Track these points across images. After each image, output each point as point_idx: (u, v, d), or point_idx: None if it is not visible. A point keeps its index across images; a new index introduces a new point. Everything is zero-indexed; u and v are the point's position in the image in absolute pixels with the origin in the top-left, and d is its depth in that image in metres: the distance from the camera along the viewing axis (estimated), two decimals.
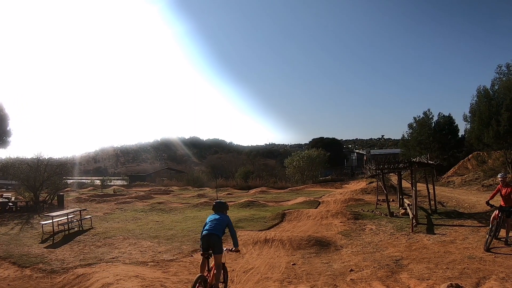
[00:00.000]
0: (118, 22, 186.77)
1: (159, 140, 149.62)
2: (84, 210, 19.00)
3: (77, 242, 13.60)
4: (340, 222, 15.43)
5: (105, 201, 27.88)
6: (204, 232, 6.48)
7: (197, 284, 5.93)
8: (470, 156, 36.26)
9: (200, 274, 6.22)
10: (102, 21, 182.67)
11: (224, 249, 6.62)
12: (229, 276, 8.03)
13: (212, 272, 6.39)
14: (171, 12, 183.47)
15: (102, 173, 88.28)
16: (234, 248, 6.74)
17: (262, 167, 70.21)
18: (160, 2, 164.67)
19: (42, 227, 15.67)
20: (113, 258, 11.15)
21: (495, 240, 10.12)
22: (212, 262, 6.46)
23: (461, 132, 40.97)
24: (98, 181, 54.95)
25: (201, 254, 6.44)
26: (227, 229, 6.79)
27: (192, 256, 11.31)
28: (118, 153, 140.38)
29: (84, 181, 59.56)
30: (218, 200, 7.50)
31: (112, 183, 56.33)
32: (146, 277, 8.54)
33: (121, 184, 56.93)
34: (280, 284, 8.21)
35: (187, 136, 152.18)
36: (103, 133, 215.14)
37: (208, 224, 6.56)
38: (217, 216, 6.73)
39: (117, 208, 23.93)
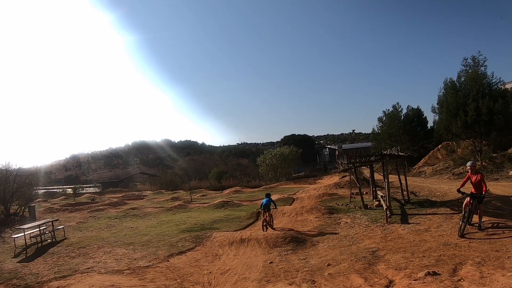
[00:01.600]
0: (74, 31, 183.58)
1: (130, 144, 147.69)
2: (56, 220, 18.50)
3: (50, 254, 13.23)
4: (315, 218, 15.49)
5: (78, 210, 27.21)
6: (263, 204, 14.78)
7: (264, 222, 14.50)
8: (439, 146, 36.95)
9: (263, 218, 14.98)
10: (59, 29, 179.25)
11: (272, 208, 15.18)
12: (210, 276, 9.30)
13: (268, 217, 14.56)
14: (123, 21, 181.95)
15: (73, 181, 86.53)
16: (274, 208, 15.75)
17: (235, 166, 70.23)
18: (112, 12, 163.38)
19: (14, 240, 15.17)
20: (88, 268, 10.91)
21: (468, 226, 10.33)
22: (266, 214, 14.61)
23: (430, 124, 41.69)
24: (70, 189, 53.65)
25: (262, 212, 15.43)
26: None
27: (168, 260, 11.16)
28: (89, 159, 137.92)
29: (55, 190, 58.15)
30: (268, 193, 17.04)
31: (84, 191, 55.15)
32: (122, 286, 8.39)
33: (93, 191, 55.80)
34: (258, 284, 8.16)
35: (158, 139, 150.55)
36: (73, 140, 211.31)
37: (264, 201, 14.83)
38: (267, 199, 14.98)
39: (90, 217, 23.43)
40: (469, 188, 10.86)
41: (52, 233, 16.23)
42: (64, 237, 16.32)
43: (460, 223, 10.27)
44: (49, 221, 17.32)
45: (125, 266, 10.84)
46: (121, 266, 10.89)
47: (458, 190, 10.97)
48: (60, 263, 11.85)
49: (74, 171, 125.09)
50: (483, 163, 25.20)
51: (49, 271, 10.94)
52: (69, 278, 9.77)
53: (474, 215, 10.53)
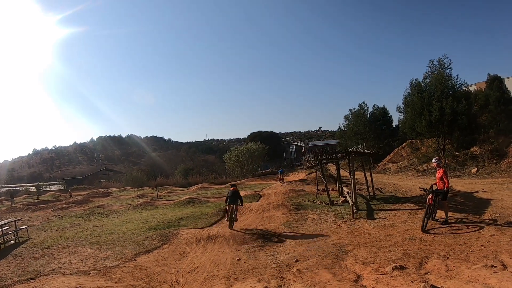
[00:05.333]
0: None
1: (95, 140, 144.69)
2: (19, 220, 17.78)
3: (14, 256, 12.64)
4: (282, 214, 15.51)
5: (41, 209, 26.32)
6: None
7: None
8: (404, 144, 37.90)
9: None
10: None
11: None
12: (178, 275, 9.12)
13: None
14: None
15: (37, 179, 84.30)
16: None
17: (201, 163, 70.27)
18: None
19: None
20: (53, 269, 10.49)
21: (433, 221, 10.58)
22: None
23: (395, 122, 42.76)
24: (33, 187, 52.19)
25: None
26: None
27: (135, 260, 10.89)
28: (53, 156, 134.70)
29: (18, 188, 56.42)
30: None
31: (48, 189, 53.78)
32: (89, 287, 8.16)
33: (57, 189, 54.41)
34: (226, 281, 8.07)
35: (124, 134, 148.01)
36: (36, 135, 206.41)
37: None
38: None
39: (54, 215, 22.66)
40: (429, 184, 11.20)
41: (15, 233, 15.50)
42: (27, 238, 15.64)
43: (423, 218, 10.46)
44: (12, 221, 16.54)
45: (91, 266, 10.51)
46: (87, 266, 10.55)
47: (425, 189, 11.31)
48: (24, 265, 11.36)
49: (38, 168, 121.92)
50: (446, 161, 25.91)
51: (13, 274, 10.47)
52: (33, 280, 9.40)
53: (438, 211, 10.77)
